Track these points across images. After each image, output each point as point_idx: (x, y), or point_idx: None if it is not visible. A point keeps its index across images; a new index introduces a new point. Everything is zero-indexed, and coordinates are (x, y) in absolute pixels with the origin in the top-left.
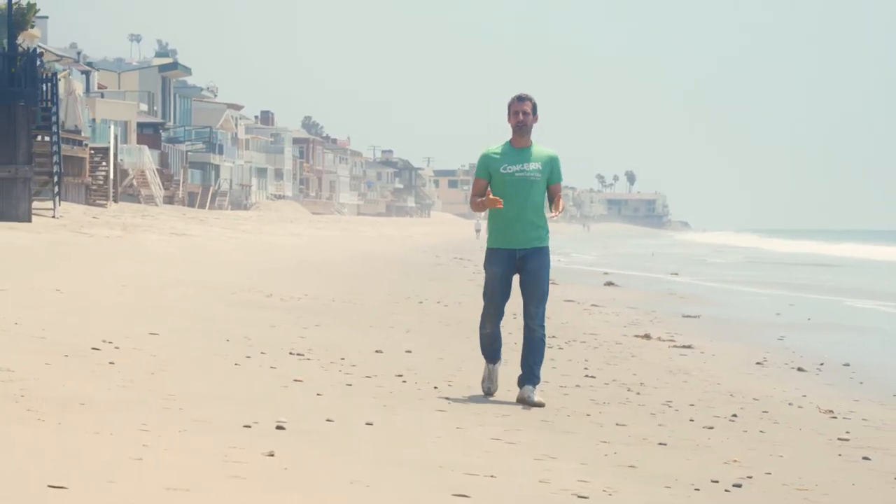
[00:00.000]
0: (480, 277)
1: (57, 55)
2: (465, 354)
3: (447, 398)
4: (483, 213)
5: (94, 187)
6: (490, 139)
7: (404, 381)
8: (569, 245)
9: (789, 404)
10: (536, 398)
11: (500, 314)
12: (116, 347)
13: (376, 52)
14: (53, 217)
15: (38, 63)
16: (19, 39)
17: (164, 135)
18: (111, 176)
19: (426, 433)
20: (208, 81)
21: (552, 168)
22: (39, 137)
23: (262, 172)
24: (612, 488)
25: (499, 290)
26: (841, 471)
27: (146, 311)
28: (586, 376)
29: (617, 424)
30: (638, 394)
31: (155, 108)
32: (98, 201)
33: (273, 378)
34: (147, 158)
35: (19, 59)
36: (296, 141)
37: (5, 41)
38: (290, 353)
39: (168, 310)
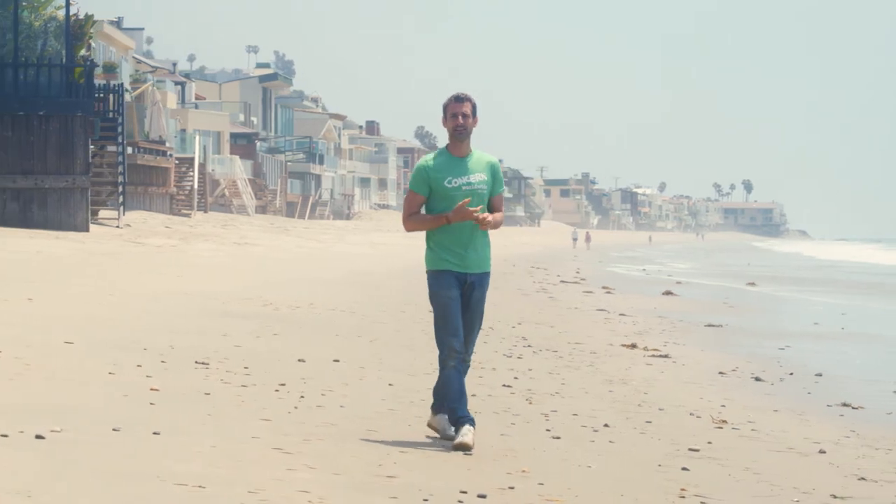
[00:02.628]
0: (530, 286)
1: (151, 66)
2: (403, 366)
3: (291, 411)
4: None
5: (180, 197)
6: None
7: (276, 391)
8: (673, 254)
9: (690, 414)
10: (470, 439)
11: (462, 340)
12: (16, 357)
13: (491, 62)
14: (117, 227)
15: (122, 80)
16: (116, 49)
17: (263, 145)
18: (195, 186)
19: (197, 445)
20: (312, 92)
21: (493, 177)
22: (106, 147)
23: (365, 182)
24: (325, 499)
25: (456, 313)
26: (625, 482)
27: (94, 321)
28: (503, 385)
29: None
30: (530, 403)
31: (252, 118)
32: (183, 211)
33: (127, 387)
34: (239, 168)
35: (78, 70)
36: (400, 150)
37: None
38: (196, 363)
39: (119, 319)
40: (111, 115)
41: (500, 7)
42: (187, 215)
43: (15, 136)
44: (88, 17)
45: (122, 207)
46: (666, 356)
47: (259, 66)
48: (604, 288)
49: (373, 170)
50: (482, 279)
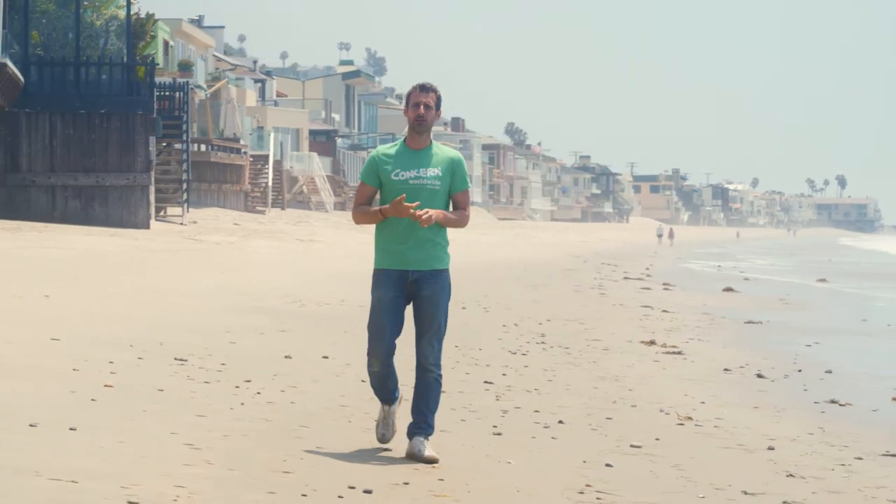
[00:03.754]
0: (589, 282)
1: (231, 64)
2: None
3: (235, 407)
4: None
5: (255, 194)
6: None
7: (237, 387)
8: (758, 251)
9: (660, 411)
10: (427, 452)
11: (391, 349)
12: None
13: (583, 59)
14: (181, 224)
15: (197, 78)
16: (196, 48)
17: (345, 142)
18: (270, 183)
19: (105, 441)
20: (403, 89)
21: (454, 173)
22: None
23: None
24: (193, 491)
25: (387, 317)
26: (534, 477)
27: (99, 318)
28: (485, 381)
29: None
30: (497, 399)
31: (334, 115)
32: (257, 208)
33: (81, 384)
34: (317, 165)
35: (139, 69)
36: (485, 147)
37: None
38: (175, 359)
39: (128, 316)
40: (177, 113)
41: (589, 5)
42: (261, 212)
43: (76, 135)
44: (150, 16)
45: (186, 205)
46: (679, 353)
47: (343, 63)
48: (664, 284)
49: None
50: (430, 278)
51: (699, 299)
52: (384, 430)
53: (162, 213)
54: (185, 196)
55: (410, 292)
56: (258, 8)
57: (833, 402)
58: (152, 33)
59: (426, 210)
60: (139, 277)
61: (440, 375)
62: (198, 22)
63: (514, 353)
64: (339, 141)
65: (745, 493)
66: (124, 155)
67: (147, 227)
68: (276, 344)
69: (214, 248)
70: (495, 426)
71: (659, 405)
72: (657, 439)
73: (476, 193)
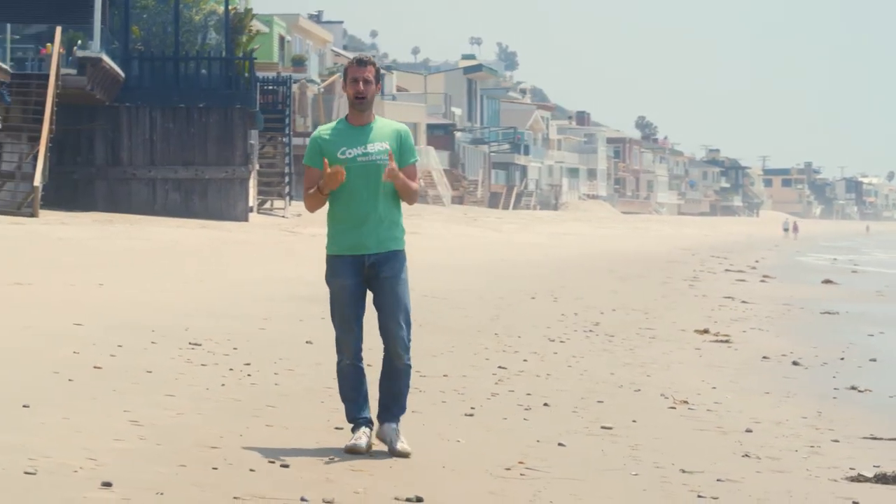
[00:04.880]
0: (686, 274)
1: (348, 58)
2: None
3: (211, 388)
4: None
5: None
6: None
7: (231, 369)
8: (885, 244)
9: (661, 395)
10: (400, 446)
11: (360, 336)
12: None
13: (712, 52)
14: (283, 217)
15: (310, 73)
16: (313, 43)
17: (467, 136)
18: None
19: (48, 417)
20: (532, 83)
21: (402, 145)
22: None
23: (573, 172)
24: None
25: (351, 303)
26: (473, 456)
27: (139, 305)
28: (499, 367)
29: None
30: (498, 382)
31: (455, 109)
32: None
33: (71, 365)
34: (434, 160)
35: (238, 63)
36: (610, 141)
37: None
38: (189, 344)
39: (170, 304)
40: (280, 107)
41: None
42: None
43: (176, 128)
44: (248, 11)
45: (288, 197)
46: (727, 342)
47: (465, 57)
48: (764, 277)
49: (582, 160)
50: (388, 259)
51: (790, 291)
52: (354, 444)
53: (268, 206)
54: (287, 189)
55: (368, 276)
56: (391, 4)
57: (853, 388)
58: (264, 29)
59: (389, 168)
60: (206, 268)
61: (409, 365)
62: (316, 17)
63: (553, 341)
64: (458, 135)
65: (683, 471)
66: (223, 148)
67: (245, 219)
68: (305, 330)
69: (306, 240)
70: (473, 408)
71: (665, 390)
72: (634, 421)
73: (601, 187)
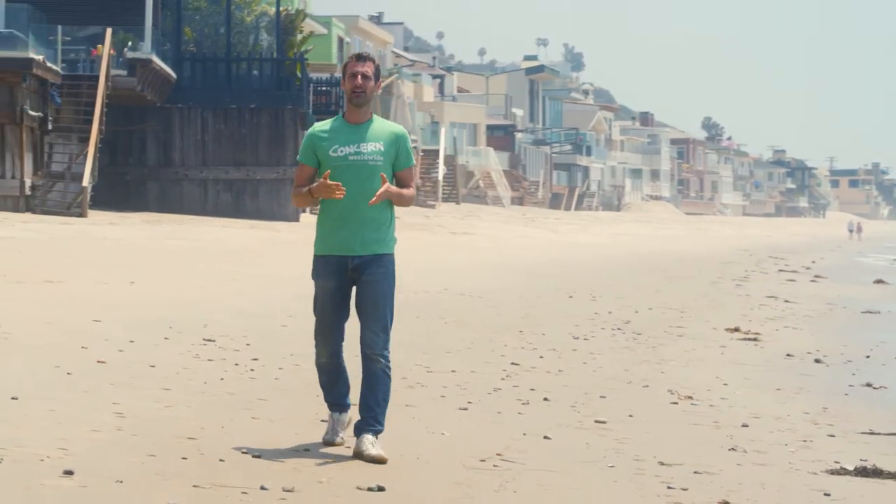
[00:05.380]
0: (736, 274)
1: (409, 60)
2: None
3: (209, 381)
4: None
5: (426, 188)
6: None
7: (236, 364)
8: None
9: (668, 391)
10: (374, 451)
11: (339, 337)
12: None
13: (781, 59)
14: None
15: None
16: (374, 44)
17: (528, 137)
18: (440, 178)
19: (31, 410)
20: (582, 84)
21: (399, 148)
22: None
23: (636, 173)
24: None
25: (332, 305)
26: (449, 448)
27: (161, 302)
28: (512, 363)
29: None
30: (504, 378)
31: (516, 110)
32: (428, 202)
33: (74, 360)
34: (493, 160)
35: (288, 64)
36: (674, 142)
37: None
38: (203, 339)
39: (192, 301)
40: (333, 108)
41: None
42: (431, 206)
43: (227, 129)
44: (299, 12)
45: None
46: (755, 340)
47: (527, 58)
48: (815, 277)
49: (645, 161)
50: (372, 263)
51: (838, 291)
52: (331, 437)
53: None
54: None
55: (352, 278)
56: (457, 6)
57: (868, 385)
58: (322, 30)
59: (380, 192)
60: (243, 267)
61: (388, 366)
62: (377, 19)
63: (577, 339)
64: (519, 136)
65: (662, 463)
66: (274, 149)
67: (296, 219)
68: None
69: None
70: (470, 402)
71: (674, 386)
72: (630, 416)
73: (664, 188)
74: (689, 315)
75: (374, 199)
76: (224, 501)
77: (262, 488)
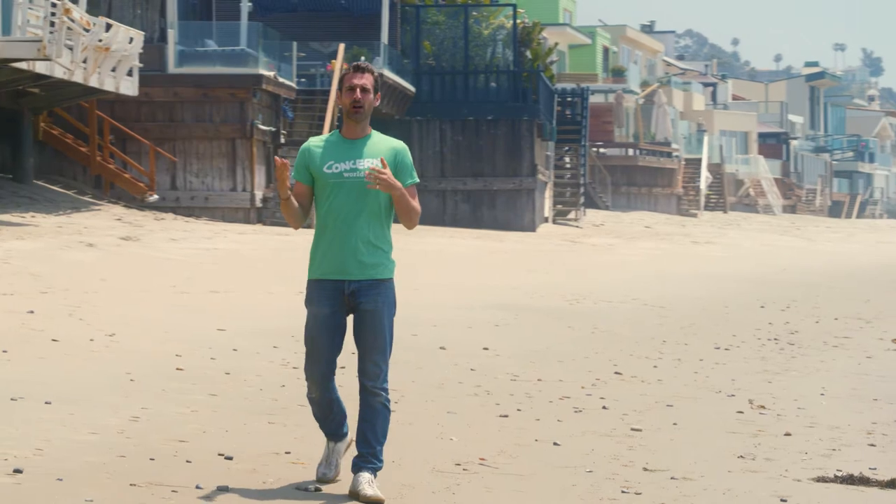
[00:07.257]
0: None
1: (680, 69)
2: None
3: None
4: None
5: (687, 197)
6: None
7: (294, 368)
8: None
9: (748, 400)
10: (370, 491)
11: (329, 372)
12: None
13: None
14: (577, 227)
15: (629, 84)
16: (643, 53)
17: (809, 144)
18: (702, 186)
19: (55, 412)
20: (868, 89)
21: (398, 165)
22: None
23: None
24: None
25: (323, 338)
26: (435, 440)
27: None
28: (586, 372)
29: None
30: (559, 382)
31: (793, 117)
32: (690, 211)
33: (157, 367)
34: (763, 168)
35: (525, 76)
36: None
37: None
38: (273, 347)
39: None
40: (577, 118)
41: None
42: (693, 215)
43: (465, 141)
44: (535, 24)
45: (582, 207)
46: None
47: (807, 64)
48: None
49: None
50: (370, 289)
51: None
52: (325, 470)
53: (572, 216)
54: (581, 200)
55: (349, 305)
56: (753, 13)
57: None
58: (585, 40)
59: (381, 170)
60: (426, 276)
61: (388, 399)
62: (648, 27)
63: (718, 349)
64: (795, 143)
65: (646, 469)
66: (511, 160)
67: (533, 229)
68: (442, 336)
69: (590, 249)
70: (519, 409)
71: (761, 396)
72: (674, 424)
73: None
74: (872, 326)
75: (373, 176)
76: (150, 500)
77: (198, 487)
